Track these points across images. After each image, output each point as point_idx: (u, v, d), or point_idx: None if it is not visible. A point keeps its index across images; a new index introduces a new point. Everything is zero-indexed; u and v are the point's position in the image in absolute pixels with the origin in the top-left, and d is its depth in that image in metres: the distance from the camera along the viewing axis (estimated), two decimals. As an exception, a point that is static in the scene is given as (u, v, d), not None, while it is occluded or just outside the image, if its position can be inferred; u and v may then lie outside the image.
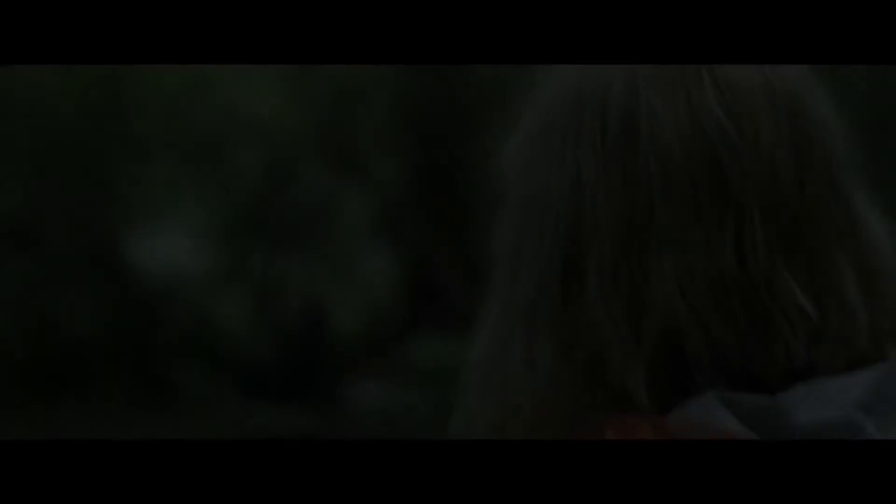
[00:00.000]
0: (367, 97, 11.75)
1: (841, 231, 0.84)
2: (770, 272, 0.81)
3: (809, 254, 0.82)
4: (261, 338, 10.83)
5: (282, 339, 8.96)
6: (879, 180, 0.95)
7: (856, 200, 0.86)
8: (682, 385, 0.81)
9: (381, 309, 12.90)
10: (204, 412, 9.29)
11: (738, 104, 0.81)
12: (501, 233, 0.88)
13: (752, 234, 0.81)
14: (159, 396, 10.49)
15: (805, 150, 0.83)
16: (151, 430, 9.57)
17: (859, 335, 0.83)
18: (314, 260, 13.62)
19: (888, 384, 0.83)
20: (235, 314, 13.74)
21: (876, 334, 0.85)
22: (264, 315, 12.61)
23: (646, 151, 0.81)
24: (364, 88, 11.56)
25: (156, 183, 13.54)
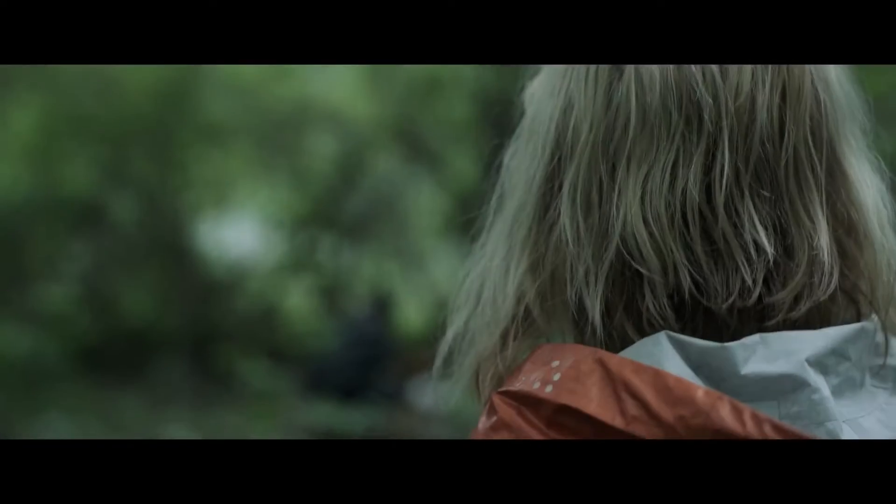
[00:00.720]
0: (446, 91, 11.62)
1: (820, 184, 0.84)
2: (734, 206, 0.82)
3: (780, 198, 0.83)
4: (326, 332, 10.73)
5: (348, 334, 8.86)
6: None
7: (848, 159, 0.87)
8: (638, 317, 0.83)
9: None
10: (266, 405, 9.21)
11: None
12: (506, 161, 0.95)
13: (721, 167, 0.81)
14: (222, 387, 10.46)
15: (794, 99, 0.84)
16: (214, 421, 9.56)
17: (825, 288, 0.83)
18: (384, 254, 13.55)
19: (852, 346, 0.83)
20: (302, 306, 13.72)
21: (849, 293, 0.87)
22: (331, 308, 12.54)
23: (628, 79, 0.83)
24: (442, 82, 11.43)
25: (228, 171, 13.56)
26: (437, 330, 0.98)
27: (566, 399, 0.79)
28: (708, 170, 0.82)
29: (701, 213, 0.82)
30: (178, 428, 9.29)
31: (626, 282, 0.84)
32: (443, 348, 0.95)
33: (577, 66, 0.87)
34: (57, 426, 8.73)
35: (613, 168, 0.84)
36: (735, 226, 0.82)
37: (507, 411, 0.81)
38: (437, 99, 11.64)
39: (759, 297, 0.83)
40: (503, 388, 0.83)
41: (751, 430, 0.75)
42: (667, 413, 0.76)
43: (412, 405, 8.92)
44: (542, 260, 0.87)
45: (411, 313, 14.14)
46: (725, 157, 0.82)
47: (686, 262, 0.82)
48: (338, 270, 13.55)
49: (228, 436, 9.01)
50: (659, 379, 0.77)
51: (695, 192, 0.82)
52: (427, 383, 11.16)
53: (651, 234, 0.82)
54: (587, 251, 0.84)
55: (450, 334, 0.95)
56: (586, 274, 0.84)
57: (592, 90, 0.85)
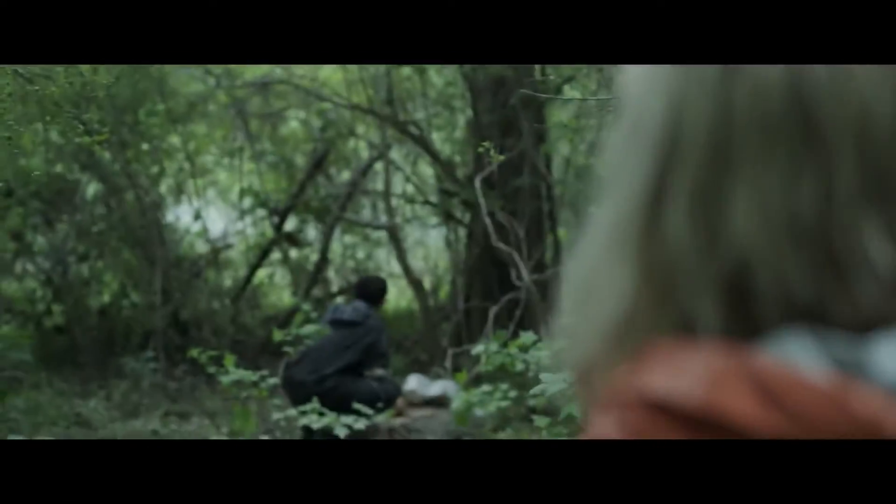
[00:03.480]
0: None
1: None
2: (855, 219, 0.77)
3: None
4: (309, 317, 10.44)
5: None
6: None
7: None
8: (748, 325, 0.80)
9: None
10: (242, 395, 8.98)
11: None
12: (608, 155, 0.91)
13: (842, 178, 0.78)
14: (199, 376, 10.21)
15: None
16: (189, 410, 9.26)
17: None
18: (365, 235, 13.22)
19: None
20: (282, 289, 13.35)
21: None
22: (310, 294, 12.20)
23: (747, 83, 0.80)
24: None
25: (202, 150, 13.19)
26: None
27: (710, 404, 0.73)
28: (828, 180, 0.78)
29: (820, 224, 0.78)
30: (152, 419, 9.00)
31: (736, 289, 0.80)
32: (556, 344, 0.93)
33: (684, 64, 0.85)
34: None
35: (728, 173, 0.80)
36: (855, 239, 0.78)
37: (637, 416, 0.75)
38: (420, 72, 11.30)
39: (877, 311, 0.77)
40: (629, 390, 0.77)
41: None
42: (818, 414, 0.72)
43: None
44: (649, 261, 0.84)
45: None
46: (847, 168, 0.78)
47: (802, 274, 0.78)
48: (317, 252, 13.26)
49: (206, 426, 8.72)
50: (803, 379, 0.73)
51: (814, 203, 0.78)
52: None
53: (766, 244, 0.79)
54: (698, 256, 0.81)
55: (559, 331, 0.95)
56: (696, 278, 0.82)
57: (708, 92, 0.82)
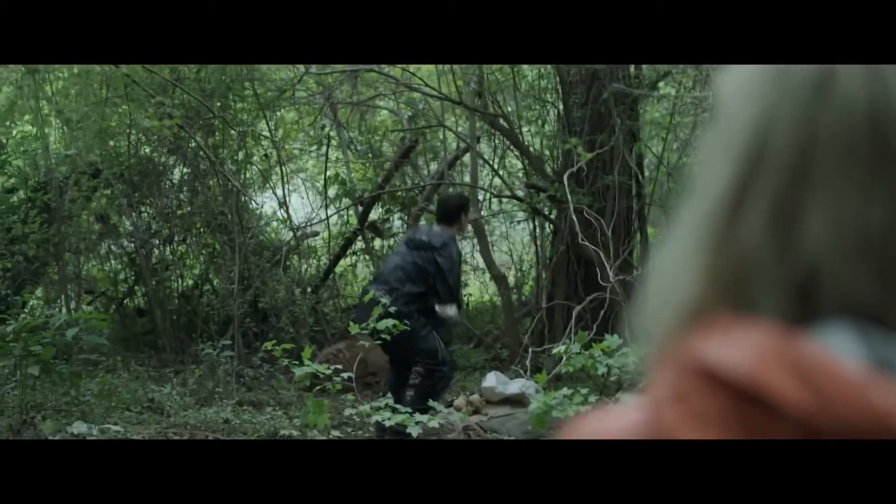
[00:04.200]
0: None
1: None
2: None
3: None
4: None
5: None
6: None
7: None
8: (810, 314, 0.85)
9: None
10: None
11: None
12: (701, 155, 0.97)
13: None
14: (275, 367, 10.10)
15: None
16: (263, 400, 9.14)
17: None
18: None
19: None
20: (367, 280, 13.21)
21: None
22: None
23: (832, 105, 0.86)
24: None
25: (290, 138, 13.08)
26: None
27: (752, 377, 0.79)
28: None
29: (888, 240, 0.84)
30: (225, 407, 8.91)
31: (804, 295, 0.86)
32: (642, 326, 0.98)
33: (777, 71, 0.90)
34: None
35: (808, 187, 0.86)
36: None
37: (687, 379, 0.82)
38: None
39: None
40: (686, 356, 0.84)
41: None
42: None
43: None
44: (725, 261, 0.90)
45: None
46: None
47: (865, 284, 0.84)
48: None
49: (279, 417, 8.60)
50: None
51: (884, 221, 0.84)
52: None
53: (837, 256, 0.85)
54: (770, 260, 0.87)
55: (643, 316, 0.97)
56: (766, 279, 0.87)
57: (797, 110, 0.88)
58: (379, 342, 7.72)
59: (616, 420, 0.92)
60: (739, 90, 0.93)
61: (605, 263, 8.41)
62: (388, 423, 6.82)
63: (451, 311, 8.48)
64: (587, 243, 8.61)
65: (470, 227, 10.19)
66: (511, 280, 12.82)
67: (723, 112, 0.95)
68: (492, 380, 9.33)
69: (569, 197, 8.65)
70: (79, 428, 6.71)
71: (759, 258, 0.88)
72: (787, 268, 0.87)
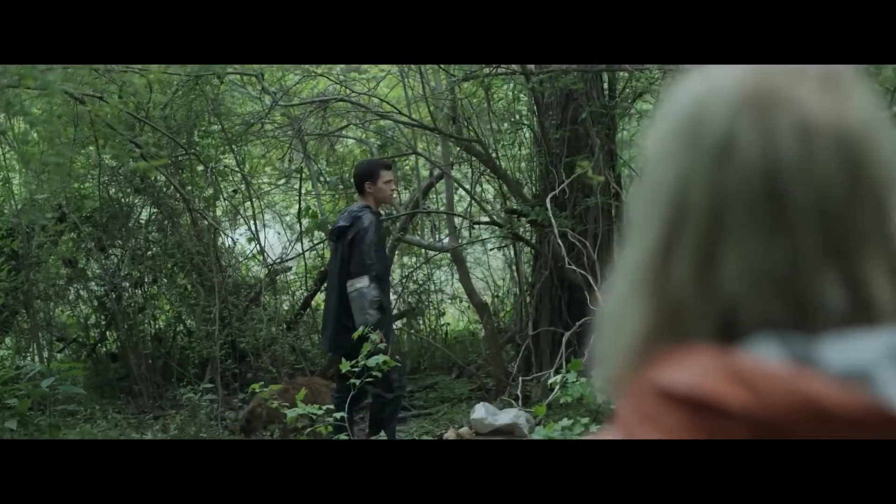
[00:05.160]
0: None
1: (878, 244, 1.06)
2: (812, 274, 1.05)
3: (849, 261, 1.05)
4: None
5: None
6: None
7: (893, 221, 1.09)
8: (737, 337, 1.06)
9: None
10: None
11: (811, 142, 1.05)
12: (633, 206, 1.16)
13: (802, 243, 1.05)
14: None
15: (857, 173, 1.06)
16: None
17: (884, 320, 1.05)
18: (425, 257, 12.83)
19: None
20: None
21: None
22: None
23: (733, 169, 1.07)
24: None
25: (256, 171, 12.86)
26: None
27: (699, 388, 1.00)
28: (795, 244, 1.05)
29: (789, 276, 1.05)
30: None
31: (729, 323, 1.06)
32: (597, 360, 1.17)
33: (688, 137, 1.09)
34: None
35: (721, 236, 1.07)
36: (816, 287, 1.04)
37: (649, 401, 1.03)
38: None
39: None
40: (643, 384, 1.05)
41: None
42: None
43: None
44: (661, 302, 1.09)
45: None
46: (809, 235, 1.05)
47: (775, 311, 1.04)
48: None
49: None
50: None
51: (785, 261, 1.05)
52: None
53: (749, 290, 1.05)
54: (697, 297, 1.07)
55: (598, 351, 1.17)
56: (696, 313, 1.08)
57: (706, 176, 1.08)
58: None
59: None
60: (660, 153, 1.13)
61: (594, 286, 8.24)
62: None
63: (359, 283, 7.88)
64: (574, 267, 8.44)
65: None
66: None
67: (647, 171, 1.14)
68: (481, 411, 9.12)
69: (553, 220, 8.48)
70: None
71: (688, 297, 1.09)
72: (712, 303, 1.07)
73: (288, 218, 13.88)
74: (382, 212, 8.40)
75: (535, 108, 10.57)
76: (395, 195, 8.19)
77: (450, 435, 8.95)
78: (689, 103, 1.11)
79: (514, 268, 12.17)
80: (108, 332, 12.56)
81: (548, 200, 8.64)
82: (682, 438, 0.98)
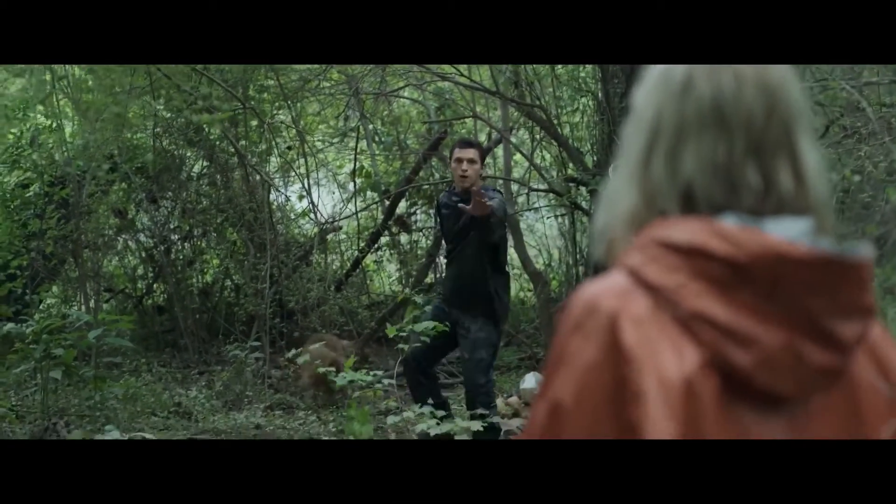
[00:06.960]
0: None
1: (786, 153, 1.57)
2: (741, 166, 1.55)
3: (765, 160, 1.56)
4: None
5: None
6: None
7: (802, 139, 1.60)
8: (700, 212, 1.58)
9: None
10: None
11: (742, 84, 1.57)
12: (627, 129, 1.66)
13: (738, 142, 1.56)
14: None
15: (772, 107, 1.57)
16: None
17: (790, 208, 1.56)
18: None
19: None
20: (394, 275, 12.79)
21: (803, 210, 1.58)
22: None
23: (691, 98, 1.58)
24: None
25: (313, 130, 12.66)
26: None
27: (693, 240, 1.50)
28: (731, 146, 1.55)
29: (727, 167, 1.55)
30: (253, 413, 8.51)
31: (688, 202, 1.56)
32: (597, 232, 1.66)
33: (662, 79, 1.62)
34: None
35: (682, 143, 1.57)
36: (743, 174, 1.55)
37: (650, 250, 1.53)
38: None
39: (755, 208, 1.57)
40: (644, 238, 1.56)
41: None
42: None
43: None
44: (645, 187, 1.59)
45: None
46: (740, 140, 1.56)
47: (718, 192, 1.54)
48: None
49: (311, 422, 8.21)
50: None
51: (723, 157, 1.55)
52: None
53: (701, 178, 1.55)
54: (667, 184, 1.57)
55: (598, 225, 1.66)
56: (667, 195, 1.57)
57: (673, 102, 1.59)
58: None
59: (603, 283, 1.53)
60: (643, 93, 1.64)
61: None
62: (433, 433, 6.35)
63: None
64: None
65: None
66: (540, 275, 12.38)
67: (635, 106, 1.64)
68: (531, 381, 8.94)
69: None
70: (111, 435, 6.30)
71: (661, 184, 1.57)
72: (677, 187, 1.56)
73: (341, 177, 13.69)
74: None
75: (599, 75, 10.30)
76: (466, 176, 7.52)
77: (499, 404, 8.76)
78: (662, 66, 1.64)
79: (568, 237, 11.92)
80: (155, 285, 12.46)
81: (610, 170, 8.37)
82: (675, 277, 1.47)
